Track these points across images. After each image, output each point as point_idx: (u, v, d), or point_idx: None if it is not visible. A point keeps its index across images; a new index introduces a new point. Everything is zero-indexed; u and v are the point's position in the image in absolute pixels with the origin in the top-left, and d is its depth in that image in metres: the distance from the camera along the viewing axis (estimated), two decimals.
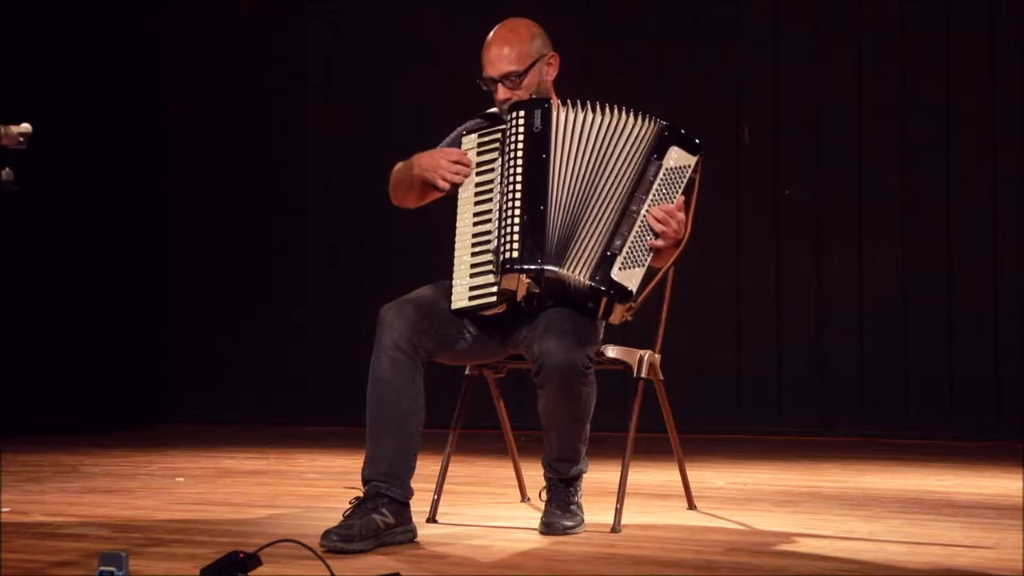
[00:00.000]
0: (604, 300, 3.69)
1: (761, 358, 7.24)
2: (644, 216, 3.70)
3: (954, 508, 4.41)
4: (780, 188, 7.23)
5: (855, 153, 7.13)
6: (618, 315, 3.72)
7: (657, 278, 3.75)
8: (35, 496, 4.72)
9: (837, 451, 6.30)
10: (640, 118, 3.78)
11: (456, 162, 3.82)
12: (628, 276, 3.68)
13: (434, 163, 3.84)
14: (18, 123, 2.98)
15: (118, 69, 8.24)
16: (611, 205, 3.72)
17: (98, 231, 8.10)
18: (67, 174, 7.84)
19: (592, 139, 3.75)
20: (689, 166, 3.76)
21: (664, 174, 3.74)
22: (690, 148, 3.77)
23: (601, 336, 3.92)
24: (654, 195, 3.72)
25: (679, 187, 3.74)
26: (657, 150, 3.75)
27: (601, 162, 3.74)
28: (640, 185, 3.73)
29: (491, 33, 3.93)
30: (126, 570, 2.86)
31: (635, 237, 3.70)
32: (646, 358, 3.97)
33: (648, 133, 3.77)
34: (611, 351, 3.96)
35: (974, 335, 6.90)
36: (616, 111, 3.78)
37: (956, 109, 6.97)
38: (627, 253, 3.68)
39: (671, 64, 7.43)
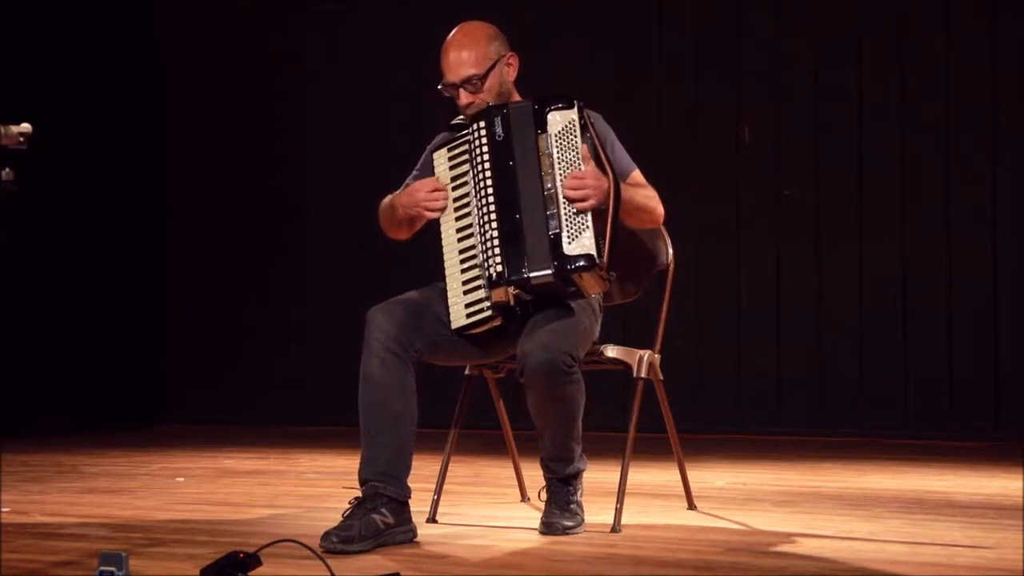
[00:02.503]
0: (575, 276, 3.66)
1: (761, 358, 7.23)
2: (561, 190, 3.68)
3: (954, 508, 4.41)
4: (780, 188, 7.22)
5: (855, 153, 7.13)
6: (598, 282, 3.70)
7: (610, 225, 3.67)
8: (35, 496, 4.72)
9: (837, 451, 6.29)
10: (519, 108, 3.76)
11: (432, 190, 3.82)
12: (580, 244, 3.65)
13: (413, 200, 3.85)
14: (18, 123, 2.98)
15: (118, 69, 8.24)
16: (538, 195, 3.71)
17: (98, 231, 8.10)
18: (67, 174, 7.84)
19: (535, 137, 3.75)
20: (573, 120, 3.73)
21: (557, 140, 3.72)
22: (565, 105, 3.74)
23: (597, 335, 3.91)
24: (559, 164, 3.70)
25: (576, 144, 3.72)
26: (538, 125, 3.74)
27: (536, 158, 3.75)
28: (541, 163, 3.72)
29: (448, 38, 3.93)
30: (126, 570, 2.86)
31: (565, 210, 3.68)
32: (646, 358, 3.97)
33: (528, 116, 3.74)
34: (611, 351, 3.95)
35: (974, 335, 6.90)
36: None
37: (956, 109, 6.96)
38: (567, 226, 3.67)
39: (671, 64, 7.43)
